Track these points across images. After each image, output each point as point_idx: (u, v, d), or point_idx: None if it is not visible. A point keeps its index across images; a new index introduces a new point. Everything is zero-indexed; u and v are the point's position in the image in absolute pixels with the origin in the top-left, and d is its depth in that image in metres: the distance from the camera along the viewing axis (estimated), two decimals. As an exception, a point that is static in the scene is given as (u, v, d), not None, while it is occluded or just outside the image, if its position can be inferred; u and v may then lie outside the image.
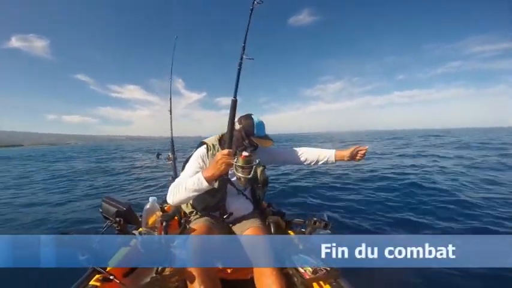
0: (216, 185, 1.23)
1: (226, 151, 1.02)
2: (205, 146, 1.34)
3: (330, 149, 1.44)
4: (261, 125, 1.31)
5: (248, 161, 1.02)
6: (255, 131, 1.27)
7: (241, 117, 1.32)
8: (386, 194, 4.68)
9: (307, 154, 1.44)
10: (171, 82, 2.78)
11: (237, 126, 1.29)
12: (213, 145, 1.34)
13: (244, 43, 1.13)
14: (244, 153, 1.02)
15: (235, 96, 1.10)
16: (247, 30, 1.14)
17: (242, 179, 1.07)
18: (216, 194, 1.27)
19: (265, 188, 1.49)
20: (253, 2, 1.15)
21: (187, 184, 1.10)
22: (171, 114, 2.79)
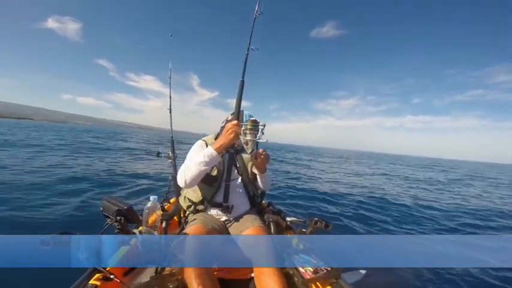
0: (214, 172, 1.32)
1: (235, 122, 1.12)
2: (203, 141, 1.42)
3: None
4: (250, 117, 1.39)
5: (255, 124, 1.23)
6: (243, 121, 1.35)
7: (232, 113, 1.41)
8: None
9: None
10: (170, 82, 2.76)
11: (230, 117, 1.41)
12: (210, 142, 1.38)
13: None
14: (252, 118, 1.27)
15: (243, 77, 1.27)
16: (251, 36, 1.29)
17: (249, 143, 1.20)
18: (213, 183, 1.33)
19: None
20: (255, 13, 1.30)
21: (198, 158, 1.16)
22: (170, 113, 2.76)
